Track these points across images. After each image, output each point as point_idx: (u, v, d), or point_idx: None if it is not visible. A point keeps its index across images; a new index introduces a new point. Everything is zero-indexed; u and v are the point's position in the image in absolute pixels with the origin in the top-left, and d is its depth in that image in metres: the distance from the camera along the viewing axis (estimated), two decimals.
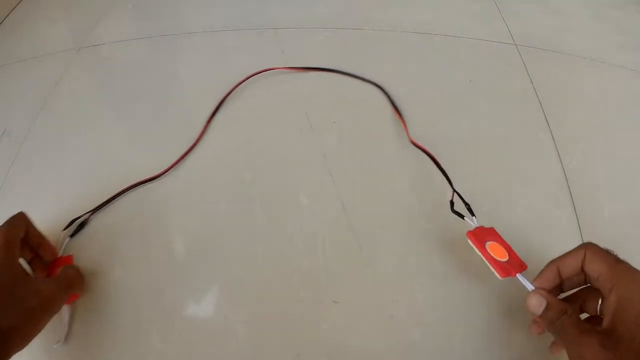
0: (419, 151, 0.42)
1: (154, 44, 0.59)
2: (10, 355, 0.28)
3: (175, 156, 0.45)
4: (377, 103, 0.49)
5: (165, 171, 0.44)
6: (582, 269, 0.30)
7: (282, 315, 0.36)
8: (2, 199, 0.44)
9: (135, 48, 0.59)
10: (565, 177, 0.42)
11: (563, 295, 0.33)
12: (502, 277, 0.31)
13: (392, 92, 0.50)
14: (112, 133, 0.49)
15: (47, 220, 0.39)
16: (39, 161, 0.47)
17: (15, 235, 0.33)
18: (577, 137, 0.46)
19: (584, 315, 0.32)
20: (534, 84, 0.51)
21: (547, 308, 0.29)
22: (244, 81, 0.51)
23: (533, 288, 0.31)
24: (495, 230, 0.35)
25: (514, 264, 0.32)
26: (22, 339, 0.29)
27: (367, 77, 0.52)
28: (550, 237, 0.39)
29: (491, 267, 0.32)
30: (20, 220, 0.35)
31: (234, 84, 0.50)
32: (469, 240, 0.34)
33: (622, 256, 0.29)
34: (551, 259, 0.32)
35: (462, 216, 0.36)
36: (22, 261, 0.34)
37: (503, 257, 0.33)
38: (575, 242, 0.32)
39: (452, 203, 0.37)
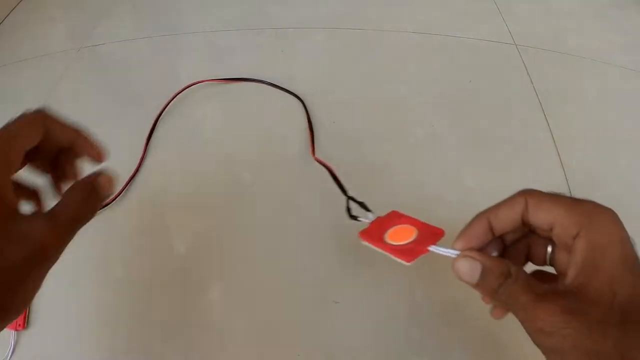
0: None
1: (154, 44, 0.59)
2: None
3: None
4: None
5: (118, 195, 0.43)
6: (524, 222, 0.24)
7: (282, 315, 0.36)
8: None
9: (135, 48, 0.59)
10: (565, 177, 0.42)
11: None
12: (409, 262, 0.24)
13: (392, 92, 0.50)
14: (112, 133, 0.49)
15: None
16: None
17: (11, 148, 0.23)
18: (577, 137, 0.46)
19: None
20: (534, 84, 0.51)
21: (484, 274, 0.23)
22: (175, 96, 0.50)
23: (457, 252, 0.24)
24: (398, 213, 0.29)
25: (425, 237, 0.26)
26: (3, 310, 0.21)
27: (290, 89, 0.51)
28: None
29: (394, 258, 0.25)
30: (31, 123, 0.26)
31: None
32: (363, 242, 0.27)
33: None
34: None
35: (355, 218, 0.31)
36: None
37: (409, 237, 0.26)
38: None
39: (348, 209, 0.32)
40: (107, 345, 0.35)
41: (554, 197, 0.22)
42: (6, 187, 0.22)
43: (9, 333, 0.34)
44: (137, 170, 0.44)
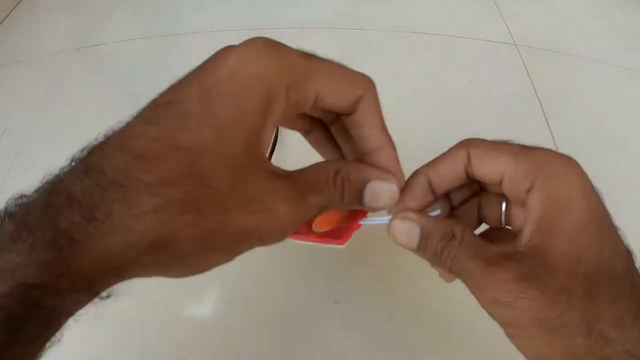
0: None
1: (154, 44, 0.59)
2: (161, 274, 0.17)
3: None
4: None
5: None
6: (469, 177, 0.20)
7: (282, 315, 0.36)
8: (1, 199, 0.44)
9: (135, 48, 0.59)
10: None
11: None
12: (342, 244, 0.22)
13: (392, 92, 0.50)
14: None
15: None
16: (39, 161, 0.47)
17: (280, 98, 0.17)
18: (577, 137, 0.46)
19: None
20: (534, 84, 0.51)
21: (423, 237, 0.19)
22: None
23: (390, 217, 0.20)
24: None
25: (354, 215, 0.24)
26: (187, 267, 0.17)
27: None
28: None
29: (328, 245, 0.23)
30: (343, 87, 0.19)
31: None
32: (293, 241, 0.24)
33: None
34: None
35: None
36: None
37: (336, 220, 0.24)
38: None
39: None
40: (106, 345, 0.35)
41: (501, 146, 0.20)
42: (269, 126, 0.17)
43: None
44: None
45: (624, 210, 0.20)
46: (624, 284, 0.17)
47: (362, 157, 0.21)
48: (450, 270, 0.19)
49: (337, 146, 0.23)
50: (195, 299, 0.37)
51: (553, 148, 0.44)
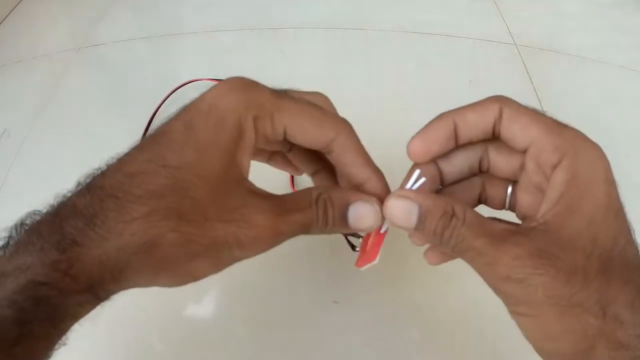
0: None
1: (154, 44, 0.59)
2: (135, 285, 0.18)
3: None
4: None
5: None
6: (495, 133, 0.20)
7: (282, 315, 0.36)
8: (1, 199, 0.44)
9: (135, 48, 0.59)
10: None
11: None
12: (375, 258, 0.22)
13: (392, 92, 0.50)
14: (111, 133, 0.49)
15: None
16: (39, 161, 0.47)
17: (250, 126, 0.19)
18: None
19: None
20: (534, 84, 0.51)
21: (423, 216, 0.19)
22: (172, 93, 0.50)
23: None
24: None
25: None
26: (168, 278, 0.18)
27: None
28: None
29: (370, 265, 0.23)
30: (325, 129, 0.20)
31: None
32: (363, 269, 0.24)
33: None
34: None
35: (354, 248, 0.35)
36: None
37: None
38: None
39: (349, 243, 0.36)
40: (105, 345, 0.34)
41: (534, 113, 0.19)
42: (243, 150, 0.19)
43: None
44: None
45: (625, 210, 0.20)
46: (636, 272, 0.17)
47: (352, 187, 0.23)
48: (454, 250, 0.18)
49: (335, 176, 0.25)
50: (195, 299, 0.37)
51: None
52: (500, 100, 0.20)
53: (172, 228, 0.17)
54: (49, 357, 0.17)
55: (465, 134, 0.20)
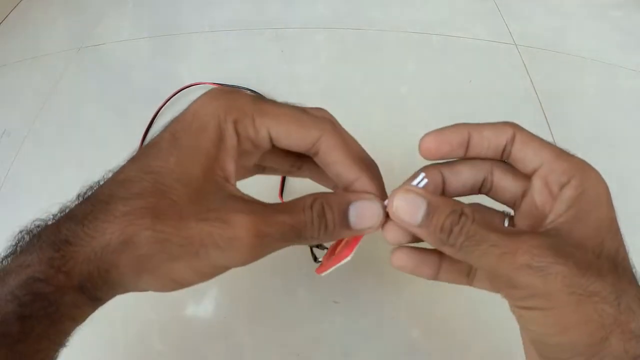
0: None
1: (154, 44, 0.59)
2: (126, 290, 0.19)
3: None
4: None
5: None
6: (504, 155, 0.21)
7: (281, 315, 0.36)
8: (1, 199, 0.44)
9: (135, 48, 0.59)
10: None
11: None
12: (348, 255, 0.22)
13: (392, 92, 0.50)
14: (111, 132, 0.49)
15: None
16: (39, 161, 0.47)
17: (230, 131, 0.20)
18: (577, 137, 0.46)
19: None
20: (534, 84, 0.51)
21: (431, 211, 0.19)
22: (173, 95, 0.50)
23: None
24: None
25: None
26: (150, 282, 0.19)
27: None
28: None
29: (342, 263, 0.23)
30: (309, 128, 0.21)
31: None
32: (323, 275, 0.25)
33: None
34: None
35: (316, 259, 0.33)
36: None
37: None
38: None
39: (313, 256, 0.34)
40: (105, 345, 0.34)
41: (542, 140, 0.20)
42: (225, 153, 0.20)
43: None
44: None
45: (624, 210, 0.20)
46: (635, 281, 0.18)
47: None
48: (462, 246, 0.18)
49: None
50: (195, 299, 0.37)
51: None
52: (514, 125, 0.21)
53: (147, 226, 0.17)
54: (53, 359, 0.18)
55: (477, 147, 0.21)
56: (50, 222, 0.19)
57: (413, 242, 0.22)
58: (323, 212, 0.19)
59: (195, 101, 0.21)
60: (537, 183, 0.20)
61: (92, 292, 0.18)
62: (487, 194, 0.23)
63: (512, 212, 0.22)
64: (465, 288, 0.34)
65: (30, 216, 0.35)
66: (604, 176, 0.20)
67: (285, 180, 0.42)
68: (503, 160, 0.21)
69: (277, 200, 0.41)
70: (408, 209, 0.19)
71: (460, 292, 0.37)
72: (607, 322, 0.16)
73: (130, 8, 0.65)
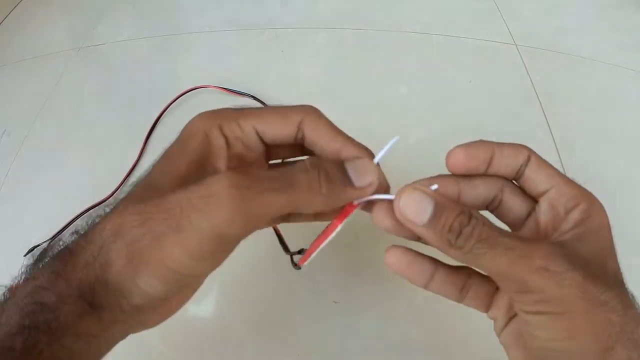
0: None
1: (154, 44, 0.59)
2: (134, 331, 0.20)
3: None
4: None
5: (113, 193, 0.42)
6: (517, 175, 0.21)
7: (281, 315, 0.36)
8: (1, 199, 0.44)
9: (135, 48, 0.59)
10: None
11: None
12: (339, 223, 0.22)
13: (391, 92, 0.50)
14: (111, 132, 0.49)
15: (48, 220, 0.39)
16: (39, 161, 0.47)
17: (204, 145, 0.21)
18: (577, 137, 0.46)
19: None
20: (534, 84, 0.51)
21: (439, 210, 0.18)
22: (178, 97, 0.50)
23: (387, 196, 0.20)
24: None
25: (346, 209, 0.22)
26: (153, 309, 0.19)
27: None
28: None
29: (330, 238, 0.24)
30: (286, 118, 0.21)
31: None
32: (305, 264, 0.26)
33: (622, 254, 0.28)
34: None
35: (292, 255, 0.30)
36: None
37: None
38: None
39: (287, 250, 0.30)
40: None
41: (553, 166, 0.21)
42: (215, 156, 0.21)
43: None
44: (133, 168, 0.44)
45: (624, 210, 0.20)
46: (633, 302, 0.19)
47: None
48: (470, 250, 0.18)
49: None
50: (196, 299, 0.36)
51: (553, 148, 0.45)
52: (529, 149, 0.21)
53: (132, 212, 0.18)
54: None
55: (497, 165, 0.21)
56: (59, 239, 0.20)
57: (400, 232, 0.21)
58: (325, 170, 0.19)
59: (186, 124, 0.22)
60: (544, 204, 0.21)
61: (91, 298, 0.18)
62: (492, 212, 0.23)
63: None
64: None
65: (30, 216, 0.36)
66: (603, 176, 0.20)
67: None
68: (512, 180, 0.22)
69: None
70: (415, 206, 0.19)
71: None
72: (614, 330, 0.17)
73: (130, 8, 0.65)
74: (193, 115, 0.22)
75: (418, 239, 0.22)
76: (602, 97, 0.51)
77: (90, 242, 0.18)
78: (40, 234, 0.38)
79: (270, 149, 0.23)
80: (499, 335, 0.23)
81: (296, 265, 0.27)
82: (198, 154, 0.21)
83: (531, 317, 0.18)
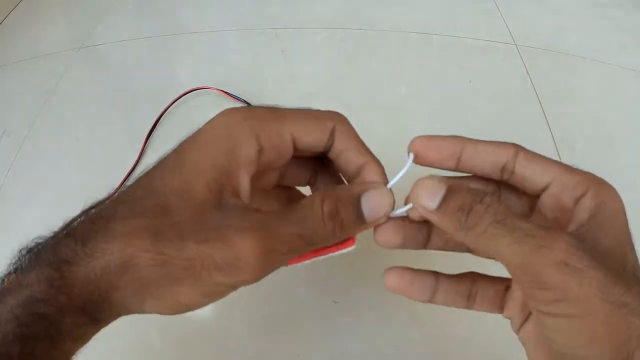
0: None
1: (154, 44, 0.59)
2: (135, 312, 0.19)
3: None
4: None
5: (113, 194, 0.42)
6: (503, 175, 0.20)
7: (281, 315, 0.36)
8: (1, 199, 0.44)
9: (135, 48, 0.59)
10: None
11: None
12: (352, 244, 0.22)
13: (391, 92, 0.50)
14: (112, 132, 0.49)
15: (47, 220, 0.39)
16: (39, 161, 0.47)
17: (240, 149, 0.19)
18: (577, 137, 0.46)
19: None
20: (534, 84, 0.51)
21: (451, 192, 0.18)
22: (179, 98, 0.49)
23: (409, 207, 0.19)
24: None
25: None
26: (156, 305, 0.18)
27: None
28: None
29: (337, 253, 0.23)
30: (319, 125, 0.20)
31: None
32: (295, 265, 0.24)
33: None
34: None
35: None
36: None
37: None
38: None
39: None
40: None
41: (547, 158, 0.19)
42: (238, 164, 0.18)
43: None
44: (133, 168, 0.44)
45: (626, 210, 0.20)
46: None
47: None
48: (485, 230, 0.17)
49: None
50: None
51: (553, 148, 0.45)
52: (516, 145, 0.20)
53: (146, 248, 0.17)
54: None
55: (471, 161, 0.20)
56: (48, 239, 0.18)
57: (403, 244, 0.21)
58: (336, 210, 0.18)
59: (209, 120, 0.20)
60: (547, 201, 0.19)
61: (94, 314, 0.18)
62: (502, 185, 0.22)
63: None
64: None
65: (30, 216, 0.36)
66: (603, 176, 0.19)
67: None
68: (504, 181, 0.20)
69: None
70: (427, 191, 0.18)
71: None
72: (635, 334, 0.15)
73: (130, 8, 0.65)
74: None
75: (420, 246, 0.22)
76: (602, 97, 0.51)
77: (90, 255, 0.17)
78: (40, 234, 0.38)
79: (293, 161, 0.21)
80: (516, 332, 0.22)
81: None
82: (219, 168, 0.18)
83: (547, 319, 0.17)
